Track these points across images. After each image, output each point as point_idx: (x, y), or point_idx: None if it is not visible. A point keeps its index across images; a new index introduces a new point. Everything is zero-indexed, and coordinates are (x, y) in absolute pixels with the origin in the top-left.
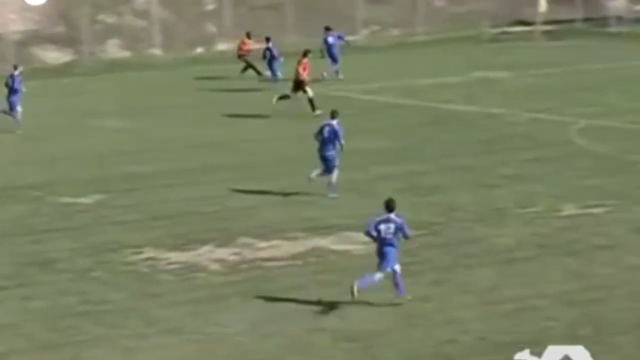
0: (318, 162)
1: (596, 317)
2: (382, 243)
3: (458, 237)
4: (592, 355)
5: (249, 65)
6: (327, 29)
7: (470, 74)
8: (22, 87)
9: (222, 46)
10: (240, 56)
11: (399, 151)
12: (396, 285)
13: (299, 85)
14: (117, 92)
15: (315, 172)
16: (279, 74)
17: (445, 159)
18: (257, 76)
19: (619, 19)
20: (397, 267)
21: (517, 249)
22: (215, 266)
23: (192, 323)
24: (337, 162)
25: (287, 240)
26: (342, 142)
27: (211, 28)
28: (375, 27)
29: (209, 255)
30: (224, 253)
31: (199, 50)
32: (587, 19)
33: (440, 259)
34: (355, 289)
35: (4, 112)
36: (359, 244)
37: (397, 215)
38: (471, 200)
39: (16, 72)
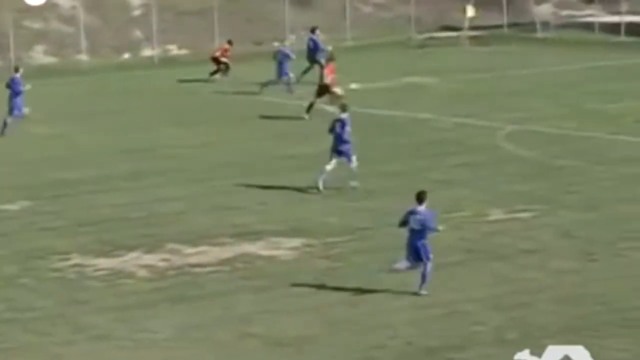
0: (329, 156)
1: (523, 321)
2: (410, 234)
3: (387, 242)
4: None
5: (219, 70)
6: (312, 30)
7: (398, 80)
8: (23, 88)
9: (148, 52)
10: (215, 59)
11: (324, 156)
12: (424, 277)
13: (323, 90)
14: (44, 99)
15: (321, 178)
16: (290, 75)
17: (374, 165)
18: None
19: (545, 24)
20: (429, 262)
21: (445, 254)
22: (143, 272)
23: (121, 329)
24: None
25: (215, 246)
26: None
27: (138, 34)
28: (303, 33)
29: (136, 261)
30: (152, 259)
31: (126, 56)
32: (513, 25)
33: (369, 265)
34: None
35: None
36: (286, 250)
37: (426, 208)
38: (400, 205)
39: (17, 75)
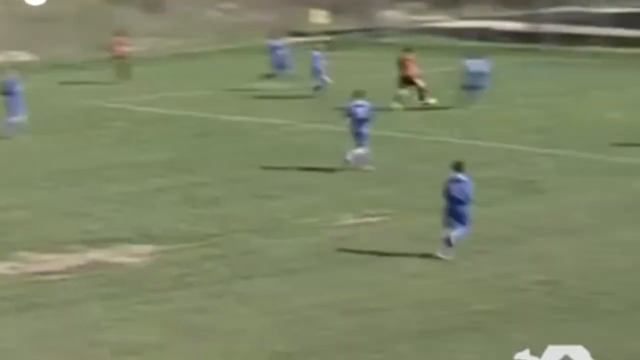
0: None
1: (375, 326)
2: (452, 201)
3: (236, 248)
4: None
5: (122, 67)
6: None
7: (246, 85)
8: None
9: None
10: (117, 57)
11: (176, 163)
12: (449, 241)
13: (406, 80)
14: None
15: (350, 154)
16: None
17: (223, 170)
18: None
19: (394, 29)
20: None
21: (295, 260)
22: None
23: None
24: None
25: (64, 254)
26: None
27: None
28: (153, 39)
29: None
30: (0, 267)
31: None
32: (363, 30)
33: (219, 271)
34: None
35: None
36: (136, 257)
37: (465, 175)
38: (249, 211)
39: (9, 77)
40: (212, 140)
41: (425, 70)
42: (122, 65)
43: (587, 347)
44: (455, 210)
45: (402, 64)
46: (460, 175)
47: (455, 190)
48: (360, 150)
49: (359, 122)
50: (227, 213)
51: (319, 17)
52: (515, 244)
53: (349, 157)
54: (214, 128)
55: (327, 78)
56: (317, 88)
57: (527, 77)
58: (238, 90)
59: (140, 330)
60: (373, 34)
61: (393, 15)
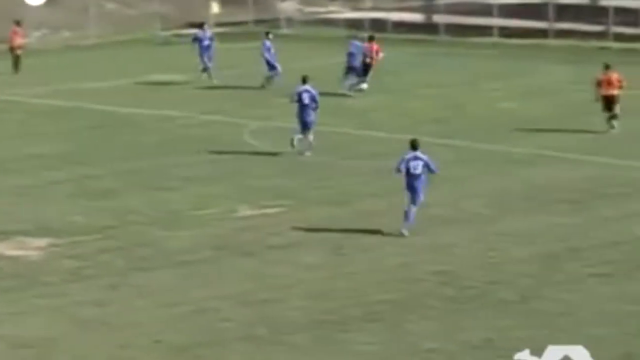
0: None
1: (272, 317)
2: (412, 178)
3: (133, 240)
4: (269, 354)
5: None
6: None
7: (142, 77)
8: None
9: None
10: (12, 48)
11: (70, 155)
12: (407, 216)
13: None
14: None
15: (297, 137)
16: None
17: (118, 163)
18: None
19: (290, 20)
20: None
21: (193, 251)
22: None
23: None
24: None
25: None
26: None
27: None
28: (47, 30)
29: None
30: None
31: None
32: (259, 21)
33: (115, 263)
34: (406, 231)
35: None
36: (33, 250)
37: (422, 152)
38: (146, 203)
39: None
40: (107, 132)
41: (322, 61)
42: (16, 56)
43: (480, 335)
44: (413, 185)
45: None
46: (418, 153)
47: (413, 167)
48: (299, 136)
49: (303, 107)
50: (123, 205)
51: (213, 8)
52: (413, 235)
53: (295, 142)
54: (109, 120)
55: (278, 66)
56: (269, 78)
57: (424, 68)
58: (134, 82)
59: (36, 323)
60: (268, 25)
61: (288, 6)
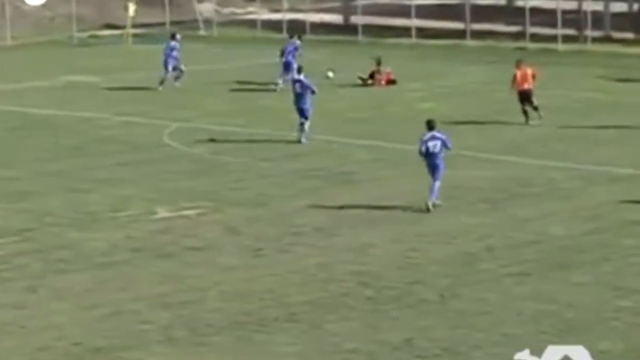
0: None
1: (191, 319)
2: (432, 157)
3: (51, 242)
4: (189, 356)
5: None
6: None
7: (59, 79)
8: None
9: None
10: None
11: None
12: (432, 192)
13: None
14: None
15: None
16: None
17: (35, 164)
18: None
19: (208, 22)
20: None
21: (111, 253)
22: None
23: None
24: (311, 111)
25: None
26: (315, 90)
27: None
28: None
29: None
30: None
31: None
32: (176, 22)
33: (34, 266)
34: (431, 204)
35: None
36: None
37: (438, 131)
38: (63, 205)
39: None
40: (25, 134)
41: (240, 63)
42: None
43: (400, 335)
44: (434, 163)
45: None
46: (435, 133)
47: (432, 146)
48: (301, 126)
49: (296, 97)
50: (41, 207)
51: (130, 10)
52: (332, 235)
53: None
54: (27, 122)
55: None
56: (176, 78)
57: (343, 69)
58: (52, 83)
59: None
60: (187, 26)
61: (206, 7)
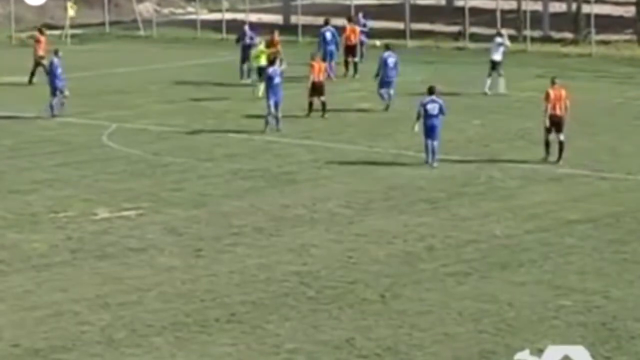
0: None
1: (131, 320)
2: (430, 118)
3: None
4: (128, 357)
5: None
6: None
7: None
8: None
9: None
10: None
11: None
12: (433, 153)
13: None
14: None
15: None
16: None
17: None
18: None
19: (147, 22)
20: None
21: (50, 254)
22: None
23: None
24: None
25: None
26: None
27: None
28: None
29: None
30: None
31: None
32: (116, 23)
33: None
34: (436, 163)
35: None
36: None
37: (437, 96)
38: (2, 206)
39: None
40: None
41: (180, 63)
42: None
43: (341, 335)
44: (432, 124)
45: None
46: (434, 97)
47: (431, 108)
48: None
49: (271, 88)
50: None
51: (69, 10)
52: (272, 235)
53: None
54: None
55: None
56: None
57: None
58: None
59: None
60: (126, 26)
61: (145, 8)
